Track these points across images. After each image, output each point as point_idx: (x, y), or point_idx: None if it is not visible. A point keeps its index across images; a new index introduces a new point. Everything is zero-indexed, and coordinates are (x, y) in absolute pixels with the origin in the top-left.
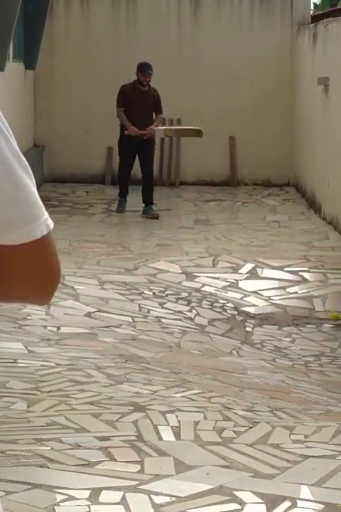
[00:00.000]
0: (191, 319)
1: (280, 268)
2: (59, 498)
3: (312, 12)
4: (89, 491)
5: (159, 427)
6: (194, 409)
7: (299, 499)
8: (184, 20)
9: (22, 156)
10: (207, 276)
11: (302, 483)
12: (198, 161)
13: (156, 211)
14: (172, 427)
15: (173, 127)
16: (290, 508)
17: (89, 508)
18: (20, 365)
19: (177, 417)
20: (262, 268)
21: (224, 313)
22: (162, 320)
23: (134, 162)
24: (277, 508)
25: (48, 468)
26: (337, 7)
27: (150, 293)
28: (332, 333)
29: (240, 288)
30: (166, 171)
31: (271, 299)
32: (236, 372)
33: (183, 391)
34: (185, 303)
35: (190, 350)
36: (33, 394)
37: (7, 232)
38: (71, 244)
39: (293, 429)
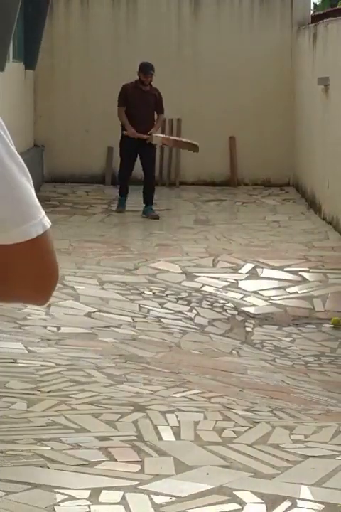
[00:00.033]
0: (191, 319)
1: (280, 268)
2: (59, 498)
3: (312, 12)
4: (89, 491)
5: (159, 427)
6: (194, 409)
7: (299, 499)
8: (184, 20)
9: (18, 156)
10: (207, 276)
11: (302, 483)
12: (198, 161)
13: (156, 211)
14: (172, 427)
15: (172, 137)
16: (290, 508)
17: (89, 508)
18: (20, 365)
19: (177, 417)
20: (262, 268)
21: (224, 313)
22: (162, 320)
23: (135, 162)
24: (277, 508)
25: (48, 468)
26: (337, 7)
27: (150, 293)
28: (332, 333)
29: (240, 288)
30: (166, 171)
31: (271, 299)
32: (236, 372)
33: (183, 391)
34: (185, 303)
35: (190, 350)
36: (33, 394)
37: (1, 231)
38: (71, 244)
39: (293, 429)
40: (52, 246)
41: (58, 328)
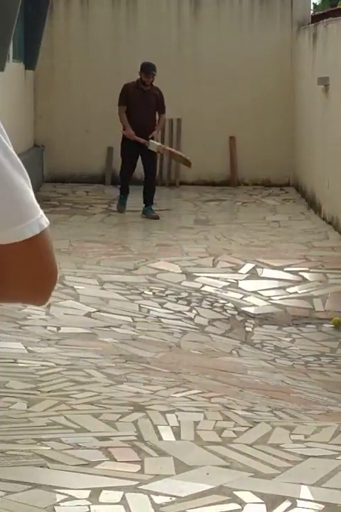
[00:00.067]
0: (191, 319)
1: (280, 268)
2: (59, 498)
3: (312, 12)
4: (89, 491)
5: (159, 427)
6: (194, 409)
7: (299, 499)
8: (184, 20)
9: (15, 156)
10: (207, 276)
11: (302, 483)
12: (198, 161)
13: (156, 211)
14: (172, 427)
15: (168, 148)
16: (290, 508)
17: (89, 508)
18: (20, 365)
19: (177, 417)
20: (262, 268)
21: (224, 313)
22: (162, 320)
23: (137, 162)
24: (277, 508)
25: (48, 468)
26: (337, 7)
27: (150, 293)
28: (332, 333)
29: (240, 288)
30: (166, 171)
31: (271, 299)
32: (236, 372)
33: (183, 391)
34: (185, 303)
35: (190, 350)
36: (33, 394)
37: None
38: (71, 244)
39: (293, 429)
40: (51, 246)
41: (58, 328)
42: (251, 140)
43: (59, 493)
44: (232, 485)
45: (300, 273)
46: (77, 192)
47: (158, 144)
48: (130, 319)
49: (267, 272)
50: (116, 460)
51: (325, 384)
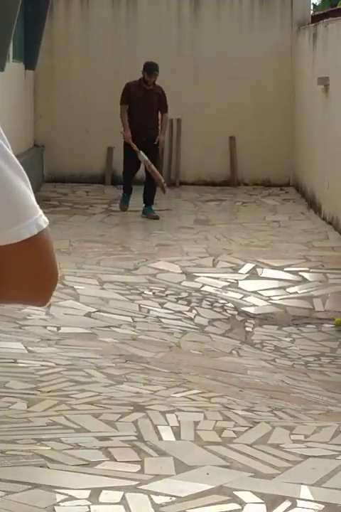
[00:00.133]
0: (191, 319)
1: (280, 268)
2: (59, 498)
3: (312, 12)
4: (89, 491)
5: (159, 427)
6: (194, 409)
7: (299, 499)
8: (184, 20)
9: (12, 156)
10: (207, 276)
11: (302, 483)
12: (198, 161)
13: (156, 211)
14: (172, 427)
15: (152, 167)
16: (290, 508)
17: (89, 508)
18: (20, 365)
19: (177, 417)
20: (262, 268)
21: (224, 313)
22: (162, 320)
23: (139, 161)
24: (277, 508)
25: (48, 468)
26: (337, 7)
27: (150, 293)
28: (332, 333)
29: (240, 288)
30: (166, 171)
31: (271, 299)
32: (236, 372)
33: (183, 391)
34: (185, 303)
35: (190, 350)
36: (33, 394)
37: None
38: (71, 244)
39: (293, 429)
40: (51, 246)
41: (58, 328)
42: (251, 140)
43: (59, 493)
44: (232, 485)
45: (300, 273)
46: (77, 192)
47: (146, 159)
48: (130, 319)
49: (267, 272)
50: (116, 460)
51: (325, 384)
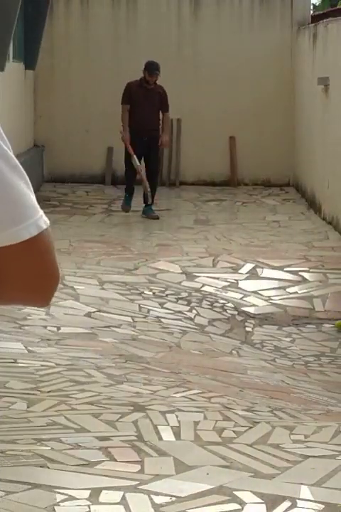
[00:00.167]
0: (191, 319)
1: (280, 268)
2: (59, 498)
3: (312, 12)
4: (89, 491)
5: (159, 427)
6: (194, 409)
7: (299, 499)
8: (184, 20)
9: (11, 155)
10: (207, 276)
11: (302, 483)
12: (198, 161)
13: (156, 211)
14: (172, 427)
15: (142, 174)
16: (290, 508)
17: (89, 508)
18: (20, 365)
19: (177, 417)
20: (262, 268)
21: (224, 313)
22: (162, 320)
23: (141, 161)
24: (277, 508)
25: (48, 468)
26: (337, 7)
27: (150, 293)
28: (332, 333)
29: (240, 288)
30: (166, 171)
31: (271, 299)
32: (236, 372)
33: (183, 391)
34: (185, 303)
35: (190, 350)
36: (33, 394)
37: None
38: (71, 244)
39: (293, 429)
40: (52, 247)
41: (58, 328)
42: (251, 140)
43: (59, 493)
44: (232, 485)
45: (300, 273)
46: (77, 192)
47: (138, 164)
48: (130, 319)
49: (267, 272)
50: (116, 460)
51: (325, 384)
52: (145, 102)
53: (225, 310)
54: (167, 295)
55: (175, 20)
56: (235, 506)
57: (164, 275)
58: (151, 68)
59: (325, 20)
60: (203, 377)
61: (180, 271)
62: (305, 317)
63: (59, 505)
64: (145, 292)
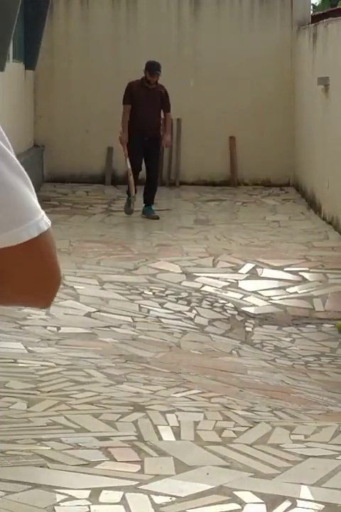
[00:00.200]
0: (191, 319)
1: (280, 268)
2: (59, 498)
3: (312, 12)
4: (89, 491)
5: (159, 427)
6: (194, 409)
7: (299, 499)
8: (184, 20)
9: (12, 156)
10: (207, 276)
11: (302, 483)
12: (198, 161)
13: (156, 211)
14: (172, 427)
15: (131, 179)
16: (290, 508)
17: (89, 508)
18: (20, 365)
19: (177, 417)
20: (262, 268)
21: (224, 313)
22: (162, 320)
23: (142, 162)
24: (277, 508)
25: (48, 468)
26: (337, 7)
27: (150, 293)
28: (332, 333)
29: (240, 288)
30: (166, 171)
31: (271, 299)
32: (236, 372)
33: (183, 391)
34: (185, 303)
35: (190, 350)
36: (33, 394)
37: None
38: (71, 244)
39: (293, 429)
40: (54, 248)
41: (58, 328)
42: (251, 140)
43: (59, 493)
44: (232, 485)
45: (300, 273)
46: (77, 192)
47: (129, 167)
48: (130, 319)
49: (267, 272)
50: (116, 460)
51: (325, 384)
52: (146, 102)
53: (225, 310)
54: (167, 295)
55: (175, 20)
56: (235, 506)
57: (164, 275)
58: (152, 68)
59: (325, 20)
60: (203, 377)
61: (180, 271)
62: (305, 317)
63: (59, 505)
64: (145, 292)
